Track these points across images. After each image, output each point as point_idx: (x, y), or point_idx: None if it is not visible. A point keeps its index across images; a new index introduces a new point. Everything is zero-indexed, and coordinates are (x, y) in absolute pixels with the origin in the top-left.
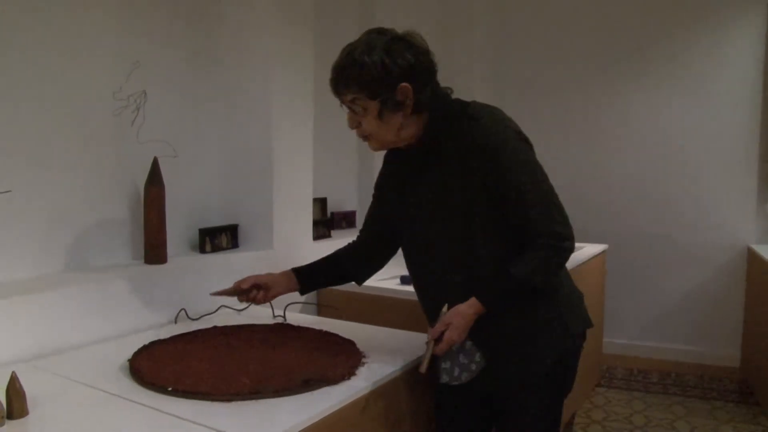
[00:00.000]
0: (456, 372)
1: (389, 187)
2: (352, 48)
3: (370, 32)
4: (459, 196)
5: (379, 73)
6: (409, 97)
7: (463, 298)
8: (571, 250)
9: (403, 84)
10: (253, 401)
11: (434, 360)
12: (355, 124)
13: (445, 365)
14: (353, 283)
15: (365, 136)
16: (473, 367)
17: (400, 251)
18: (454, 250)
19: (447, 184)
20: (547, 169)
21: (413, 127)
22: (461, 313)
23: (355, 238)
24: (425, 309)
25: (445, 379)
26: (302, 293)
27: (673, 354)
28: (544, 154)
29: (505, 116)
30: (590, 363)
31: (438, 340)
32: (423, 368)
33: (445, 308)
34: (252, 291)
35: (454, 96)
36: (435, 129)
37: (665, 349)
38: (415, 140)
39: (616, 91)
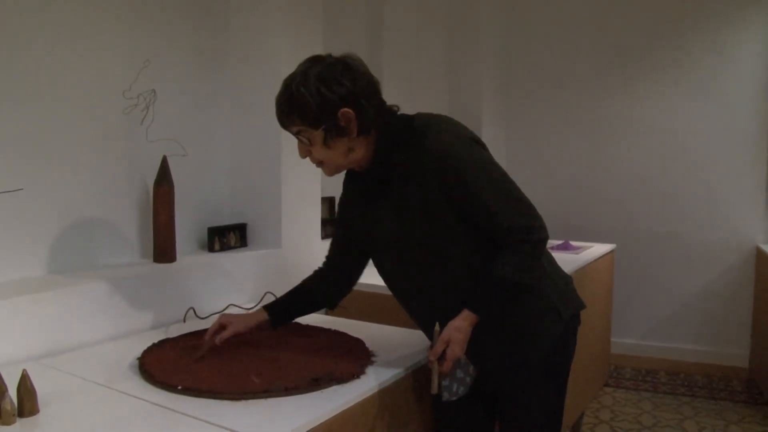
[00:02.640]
0: (454, 387)
1: (351, 210)
2: (290, 81)
3: (305, 62)
4: (420, 210)
5: (317, 103)
6: (352, 120)
7: (447, 308)
8: (546, 238)
9: (344, 109)
10: (263, 400)
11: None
12: (305, 153)
13: (445, 383)
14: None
15: (318, 163)
16: (468, 379)
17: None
18: (425, 264)
19: (406, 201)
20: (555, 168)
21: (362, 149)
22: (458, 328)
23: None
24: (417, 323)
25: (446, 396)
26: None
27: (681, 354)
28: (552, 153)
29: (450, 122)
30: (598, 363)
31: (440, 358)
32: (435, 389)
33: (437, 327)
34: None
35: (402, 112)
36: (384, 148)
37: (673, 349)
38: (368, 161)
39: (624, 89)
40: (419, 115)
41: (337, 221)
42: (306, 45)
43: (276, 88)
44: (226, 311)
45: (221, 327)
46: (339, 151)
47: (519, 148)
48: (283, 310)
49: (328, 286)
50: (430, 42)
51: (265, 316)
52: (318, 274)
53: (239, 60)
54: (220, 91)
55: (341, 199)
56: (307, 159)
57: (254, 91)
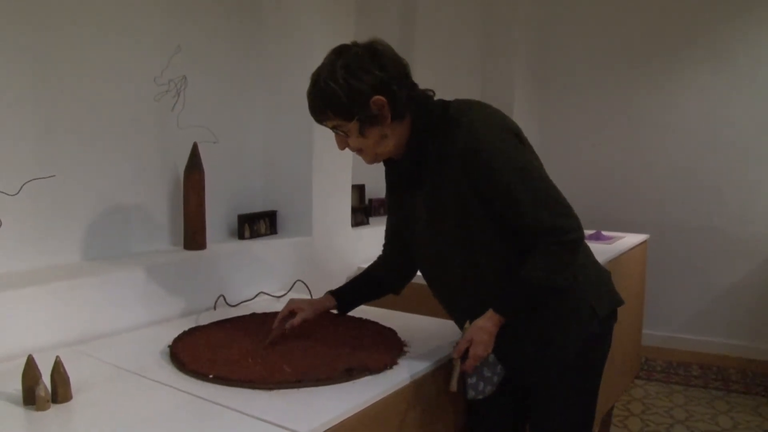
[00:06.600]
0: (480, 386)
1: (392, 198)
2: (317, 75)
3: (331, 54)
4: (449, 203)
5: (347, 95)
6: (384, 107)
7: (476, 306)
8: (579, 239)
9: (375, 97)
10: (295, 390)
11: (462, 376)
12: (343, 145)
13: (471, 380)
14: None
15: (357, 151)
16: (495, 379)
17: None
18: (455, 260)
19: (437, 192)
20: (589, 158)
21: (397, 135)
22: (482, 328)
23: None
24: (451, 317)
25: (471, 394)
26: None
27: (715, 347)
28: (586, 143)
29: (488, 112)
30: (629, 355)
31: (464, 356)
32: (453, 387)
33: (467, 324)
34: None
35: (459, 98)
36: (418, 136)
37: (707, 343)
38: (404, 147)
39: (662, 78)
40: (456, 102)
41: (387, 208)
42: (338, 32)
43: (308, 75)
44: (257, 299)
45: (291, 313)
46: (375, 139)
47: (552, 138)
48: (349, 295)
49: (390, 272)
50: (463, 31)
51: (333, 301)
52: (379, 260)
53: (271, 47)
54: (252, 78)
55: (386, 186)
56: (338, 145)
57: (286, 78)
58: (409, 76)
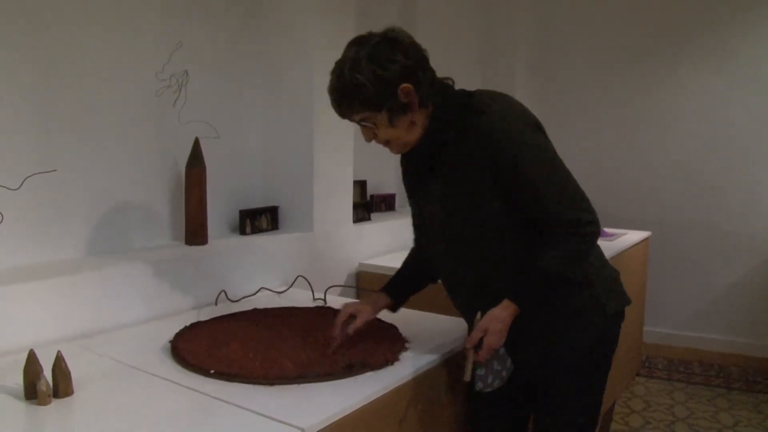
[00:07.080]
0: (489, 379)
1: (408, 188)
2: (341, 68)
3: (351, 46)
4: (466, 192)
5: (375, 86)
6: (411, 94)
7: (489, 297)
8: (596, 233)
9: (403, 85)
10: (296, 385)
11: (474, 367)
12: (370, 137)
13: (480, 372)
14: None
15: (385, 143)
16: (504, 373)
17: None
18: (467, 253)
19: (454, 181)
20: (590, 155)
21: (422, 122)
22: (497, 317)
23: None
24: (459, 310)
25: (479, 386)
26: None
27: (716, 345)
28: (587, 140)
29: (512, 102)
30: (630, 352)
31: (477, 347)
32: (467, 377)
33: (478, 315)
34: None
35: (473, 88)
36: (437, 122)
37: (708, 340)
38: (423, 136)
39: (664, 75)
40: (479, 92)
41: (408, 198)
42: (338, 28)
43: (308, 72)
44: (258, 295)
45: (351, 317)
46: (404, 127)
47: (552, 137)
48: (401, 290)
49: (425, 262)
50: (463, 31)
51: (387, 299)
52: (413, 252)
53: (273, 43)
54: (253, 73)
55: (402, 177)
56: (365, 138)
57: (287, 73)
58: (429, 61)
